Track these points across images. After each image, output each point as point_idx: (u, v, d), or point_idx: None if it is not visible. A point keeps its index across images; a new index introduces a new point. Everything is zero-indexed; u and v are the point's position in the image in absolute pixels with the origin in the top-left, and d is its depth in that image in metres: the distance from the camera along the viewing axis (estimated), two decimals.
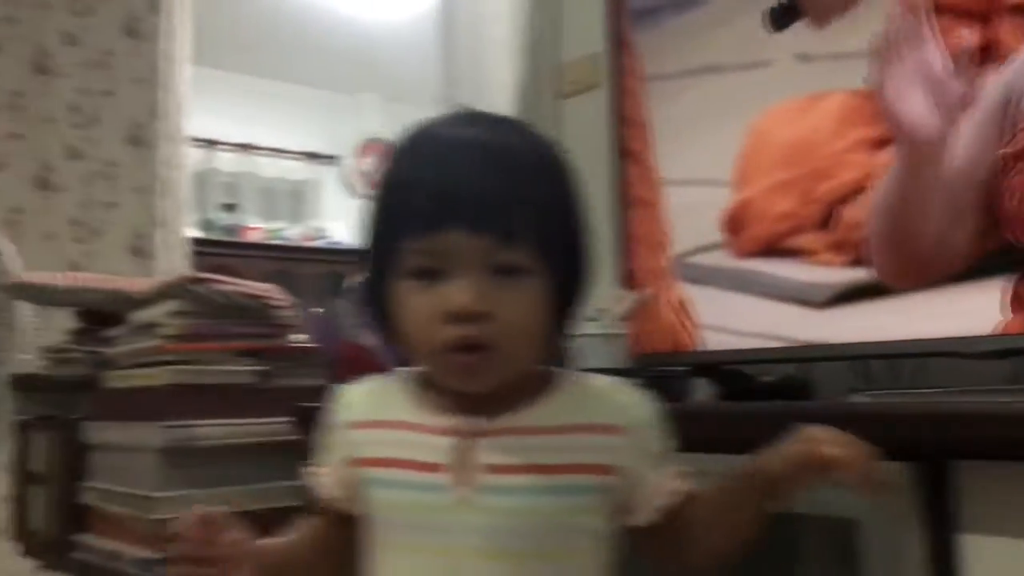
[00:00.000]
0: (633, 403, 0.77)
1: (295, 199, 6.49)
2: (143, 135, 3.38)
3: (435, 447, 0.75)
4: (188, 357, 1.60)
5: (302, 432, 1.59)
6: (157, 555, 1.51)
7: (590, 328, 1.50)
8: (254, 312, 1.69)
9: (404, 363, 1.77)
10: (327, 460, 0.82)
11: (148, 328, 1.65)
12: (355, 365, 1.81)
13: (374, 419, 0.80)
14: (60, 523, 1.80)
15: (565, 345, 0.84)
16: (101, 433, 1.73)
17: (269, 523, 1.60)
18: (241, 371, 1.66)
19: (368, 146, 6.80)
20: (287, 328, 1.75)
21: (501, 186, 0.72)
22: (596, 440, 0.75)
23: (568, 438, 0.74)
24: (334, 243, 6.22)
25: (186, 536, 0.77)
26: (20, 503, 1.99)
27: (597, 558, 0.76)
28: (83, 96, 3.29)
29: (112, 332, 1.76)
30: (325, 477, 0.82)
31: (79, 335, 1.89)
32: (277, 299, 1.71)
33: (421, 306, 0.72)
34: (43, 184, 3.21)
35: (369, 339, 1.87)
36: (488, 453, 0.74)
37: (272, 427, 1.64)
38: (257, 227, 6.00)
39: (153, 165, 3.38)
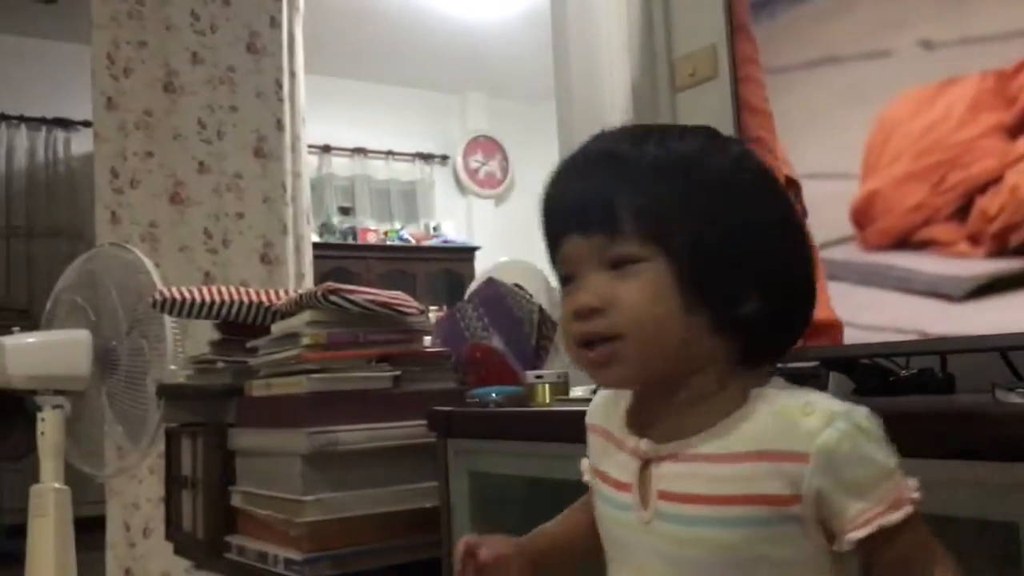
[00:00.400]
0: (822, 426, 0.69)
1: (408, 199, 6.63)
2: (267, 147, 3.51)
3: (625, 466, 0.77)
4: (326, 365, 1.67)
5: (435, 435, 1.65)
6: (304, 556, 1.59)
7: None
8: (386, 319, 1.74)
9: (533, 366, 1.80)
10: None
11: (288, 338, 1.72)
12: (483, 367, 1.86)
13: (602, 426, 0.84)
14: (210, 525, 1.90)
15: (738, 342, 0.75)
16: (247, 439, 1.82)
17: (407, 523, 1.66)
18: (376, 377, 1.71)
19: (476, 144, 6.88)
20: (418, 333, 1.81)
21: (602, 187, 0.74)
22: (778, 468, 0.69)
23: (747, 467, 0.70)
24: (447, 241, 6.32)
25: (461, 569, 0.85)
26: (171, 505, 2.11)
27: None
28: (209, 112, 3.44)
29: (254, 342, 1.84)
30: (585, 466, 0.87)
31: (222, 345, 1.99)
32: (407, 305, 1.77)
33: (563, 310, 0.76)
34: (176, 199, 3.38)
35: (497, 341, 1.91)
36: (663, 479, 0.74)
37: (407, 431, 1.70)
38: (373, 229, 6.14)
39: (277, 175, 3.52)
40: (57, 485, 2.32)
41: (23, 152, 5.30)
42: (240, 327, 1.97)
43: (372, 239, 6.12)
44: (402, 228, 6.30)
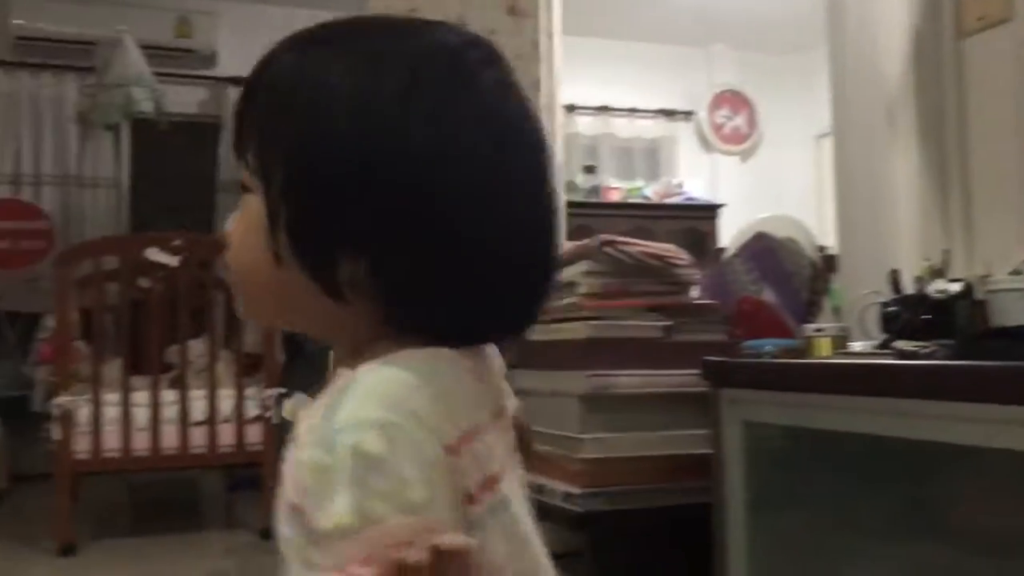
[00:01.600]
0: (308, 439, 0.56)
1: (650, 157, 6.63)
2: None
3: None
4: (602, 313, 1.75)
5: (708, 384, 1.69)
6: (581, 490, 1.69)
7: (1014, 283, 1.44)
8: (658, 271, 1.80)
9: (803, 320, 1.80)
10: None
11: (565, 287, 1.82)
12: (753, 320, 1.88)
13: None
14: None
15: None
16: (525, 379, 1.94)
17: (678, 467, 1.72)
18: (649, 326, 1.78)
19: (722, 98, 6.76)
20: (688, 285, 1.85)
21: (240, 101, 0.67)
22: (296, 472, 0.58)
23: (292, 466, 0.58)
24: (691, 199, 6.28)
25: None
26: None
27: None
28: None
29: None
30: None
31: None
32: (679, 258, 1.82)
33: None
34: None
35: (768, 295, 1.92)
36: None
37: (679, 379, 1.75)
38: (616, 187, 6.20)
39: None
40: None
41: None
42: None
43: (615, 197, 6.18)
44: (645, 186, 6.32)
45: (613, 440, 1.70)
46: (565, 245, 1.92)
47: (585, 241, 1.82)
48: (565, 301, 1.80)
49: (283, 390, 3.67)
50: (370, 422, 0.54)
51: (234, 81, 5.55)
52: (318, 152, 0.60)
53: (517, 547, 0.63)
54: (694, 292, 1.90)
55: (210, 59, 5.51)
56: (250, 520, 3.74)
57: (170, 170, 5.58)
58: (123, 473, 4.15)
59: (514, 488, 0.65)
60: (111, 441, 3.41)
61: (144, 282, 3.73)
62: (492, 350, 0.69)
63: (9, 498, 4.48)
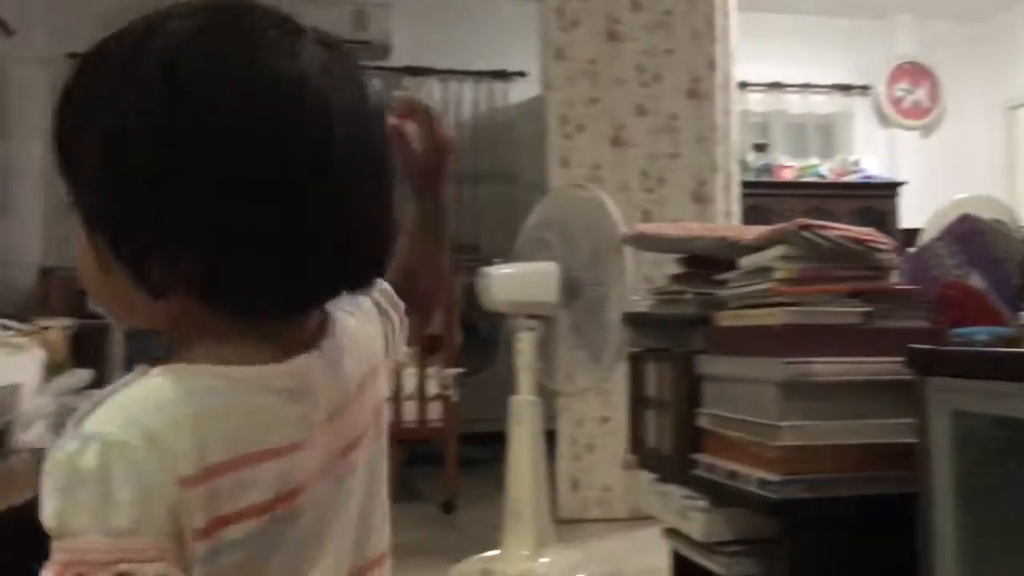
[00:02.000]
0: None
1: (825, 134, 6.41)
2: (700, 87, 3.60)
3: None
4: (798, 299, 1.72)
5: (913, 373, 1.64)
6: (780, 477, 1.67)
7: None
8: (858, 255, 1.76)
9: (1016, 308, 1.71)
10: None
11: (760, 272, 1.80)
12: (960, 307, 1.80)
13: None
14: (677, 443, 2.06)
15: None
16: (716, 365, 1.94)
17: (880, 457, 1.68)
18: (848, 312, 1.74)
19: (901, 70, 6.45)
20: (889, 270, 1.80)
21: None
22: None
23: None
24: (868, 177, 6.04)
25: None
26: (636, 423, 2.30)
27: None
28: (648, 57, 3.59)
29: (722, 275, 1.95)
30: None
31: (686, 278, 2.12)
32: (879, 241, 1.76)
33: None
34: (616, 142, 3.59)
35: (977, 281, 1.84)
36: None
37: (880, 366, 1.71)
38: (789, 165, 6.03)
39: (710, 115, 3.60)
40: (532, 398, 2.63)
41: (468, 104, 5.88)
42: (704, 261, 2.09)
43: (788, 176, 6.02)
44: (820, 164, 6.11)
45: (812, 428, 1.67)
46: (759, 230, 1.90)
47: (781, 225, 1.79)
48: (760, 286, 1.78)
49: (462, 370, 3.79)
50: (98, 436, 0.55)
51: (409, 71, 5.74)
52: (96, 163, 0.59)
53: (293, 563, 0.63)
54: (894, 277, 1.84)
55: (385, 50, 5.70)
56: (431, 494, 3.89)
57: None
58: None
59: (327, 494, 0.66)
60: None
61: None
62: (351, 338, 0.71)
63: None
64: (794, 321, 1.71)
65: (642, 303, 2.32)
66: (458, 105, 5.86)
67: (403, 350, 0.81)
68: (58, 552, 0.54)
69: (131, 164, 0.58)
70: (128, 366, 3.89)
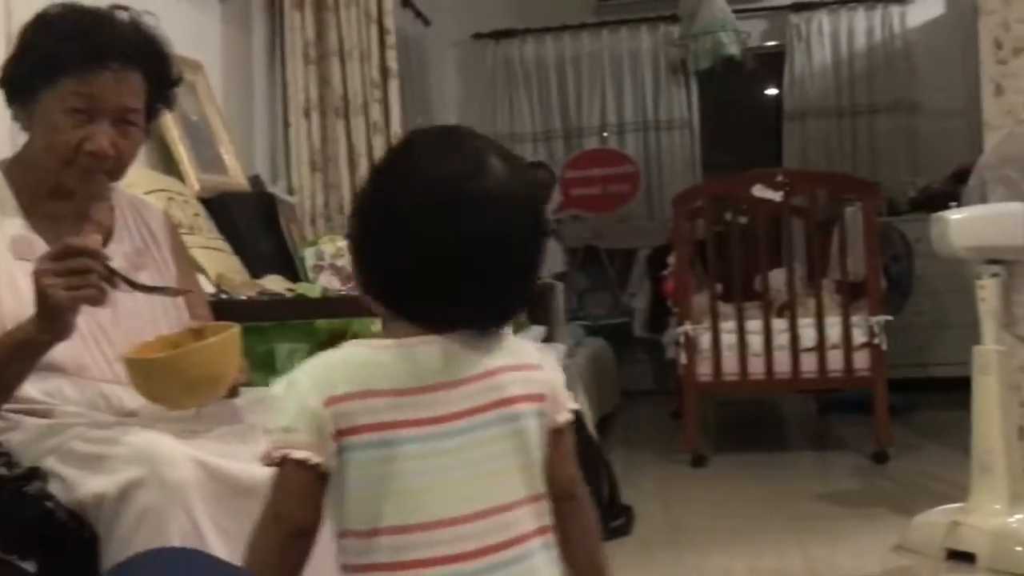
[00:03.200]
0: None
1: None
2: None
3: None
4: None
5: None
6: None
7: None
8: None
9: None
10: None
11: None
12: None
13: None
14: None
15: None
16: None
17: None
18: None
19: None
20: None
21: None
22: None
23: None
24: None
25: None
26: None
27: None
28: None
29: None
30: None
31: None
32: None
33: None
34: None
35: None
36: None
37: None
38: None
39: None
40: (997, 347, 2.50)
41: (861, 33, 5.58)
42: None
43: None
44: None
45: None
46: None
47: None
48: None
49: (889, 317, 3.68)
50: (287, 376, 0.96)
51: (795, 7, 5.56)
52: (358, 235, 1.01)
53: (386, 473, 0.93)
54: None
55: None
56: (859, 444, 3.83)
57: (737, 105, 5.79)
58: (737, 393, 4.48)
59: (423, 435, 0.94)
60: (730, 365, 3.71)
61: (743, 218, 3.96)
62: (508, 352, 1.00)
63: (622, 412, 5.10)
64: None
65: None
66: (851, 36, 5.58)
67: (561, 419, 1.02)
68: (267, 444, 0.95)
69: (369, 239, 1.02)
70: None
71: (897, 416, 3.95)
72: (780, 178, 3.64)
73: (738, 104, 6.12)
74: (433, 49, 5.58)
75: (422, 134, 1.01)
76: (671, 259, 3.96)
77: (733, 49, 4.31)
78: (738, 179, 4.14)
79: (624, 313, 5.49)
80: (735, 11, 5.29)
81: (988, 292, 2.51)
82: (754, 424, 4.93)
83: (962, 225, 2.49)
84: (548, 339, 3.29)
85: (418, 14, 5.28)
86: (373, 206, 0.98)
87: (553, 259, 5.42)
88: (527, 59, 5.81)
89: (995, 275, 2.51)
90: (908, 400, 4.42)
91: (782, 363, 3.68)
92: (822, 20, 5.59)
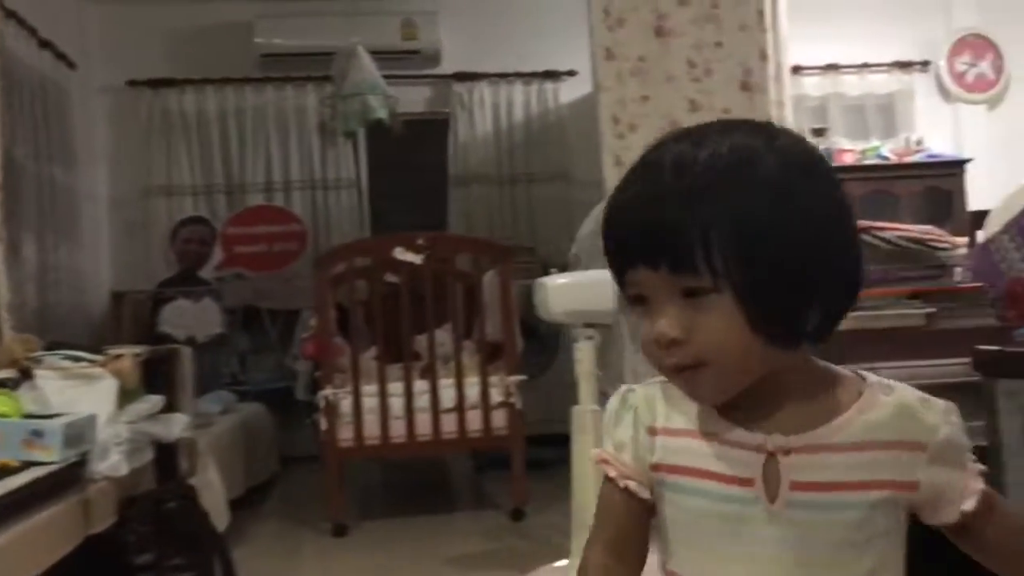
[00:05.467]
0: (940, 421, 0.79)
1: (885, 113, 6.25)
2: (752, 80, 3.54)
3: (740, 460, 0.80)
4: (859, 303, 1.69)
5: (981, 375, 1.60)
6: None
7: None
8: (918, 255, 1.72)
9: None
10: (631, 459, 0.86)
11: None
12: None
13: (673, 427, 0.84)
14: None
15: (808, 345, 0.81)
16: None
17: None
18: (911, 314, 1.70)
19: (963, 43, 6.27)
20: (951, 268, 1.75)
21: (669, 218, 0.75)
22: (899, 457, 0.78)
23: (871, 455, 0.78)
24: (933, 156, 5.88)
25: None
26: None
27: (894, 558, 0.81)
28: (697, 52, 3.55)
29: None
30: (632, 476, 0.86)
31: None
32: (940, 240, 1.72)
33: (644, 331, 0.79)
34: None
35: None
36: (794, 470, 0.79)
37: (945, 369, 1.67)
38: (850, 149, 5.90)
39: (764, 106, 3.54)
40: (593, 407, 2.62)
41: (519, 106, 5.87)
42: None
43: (849, 159, 5.87)
44: (881, 145, 5.97)
45: None
46: None
47: None
48: None
49: (524, 376, 3.80)
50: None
51: (459, 77, 5.75)
52: (775, 239, 0.75)
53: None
54: (958, 275, 1.80)
55: (434, 57, 5.73)
56: (503, 501, 3.90)
57: (404, 167, 5.86)
58: (379, 457, 4.43)
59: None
60: (371, 429, 3.66)
61: (392, 278, 3.96)
62: None
63: (282, 479, 4.90)
64: (855, 326, 1.68)
65: None
66: (510, 108, 5.85)
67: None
68: (975, 464, 0.81)
69: (809, 251, 0.79)
70: (201, 390, 3.96)
71: (546, 471, 4.07)
72: (421, 241, 3.67)
73: (410, 166, 6.21)
74: (78, 94, 5.18)
75: None
76: (312, 322, 3.87)
77: (381, 113, 4.35)
78: (379, 242, 4.16)
79: (288, 376, 5.31)
80: (401, 77, 5.39)
81: (583, 355, 2.63)
82: (414, 486, 4.91)
83: (559, 291, 2.60)
84: (169, 409, 3.07)
85: (60, 56, 4.90)
86: (836, 212, 0.82)
87: (209, 320, 5.17)
88: (187, 110, 5.56)
89: (589, 338, 2.64)
90: (560, 454, 4.57)
91: (423, 425, 3.67)
92: (483, 91, 5.81)
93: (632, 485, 0.85)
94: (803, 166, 0.78)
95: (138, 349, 3.08)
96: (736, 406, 0.81)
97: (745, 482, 0.80)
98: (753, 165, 0.76)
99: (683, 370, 0.78)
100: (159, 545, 2.53)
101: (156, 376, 3.13)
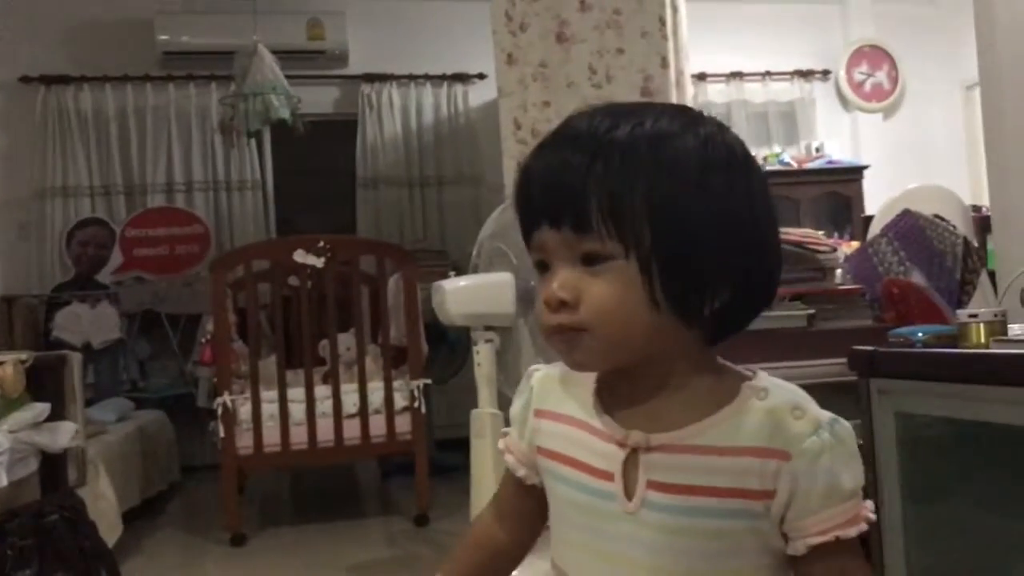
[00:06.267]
0: (807, 431, 0.74)
1: (787, 121, 6.41)
2: (652, 85, 3.59)
3: (604, 454, 0.78)
4: None
5: (856, 375, 1.64)
6: None
7: None
8: (799, 258, 1.75)
9: (958, 303, 1.72)
10: (516, 436, 0.89)
11: None
12: (903, 305, 1.80)
13: (557, 411, 0.84)
14: None
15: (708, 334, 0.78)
16: None
17: None
18: (791, 316, 1.74)
19: (860, 54, 6.47)
20: (831, 271, 1.80)
21: (571, 182, 0.74)
22: (764, 465, 0.74)
23: (737, 460, 0.74)
24: (832, 162, 6.05)
25: None
26: None
27: None
28: (598, 58, 3.58)
29: None
30: (514, 452, 0.89)
31: None
32: (818, 243, 1.76)
33: (540, 295, 0.77)
34: None
35: (917, 277, 1.84)
36: (653, 469, 0.76)
37: (825, 369, 1.71)
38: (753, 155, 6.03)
39: None
40: (492, 411, 2.61)
41: (428, 108, 5.84)
42: None
43: None
44: (782, 151, 6.12)
45: None
46: None
47: None
48: None
49: (428, 380, 3.77)
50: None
51: (367, 78, 5.69)
52: (686, 215, 0.73)
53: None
54: (837, 277, 1.84)
55: (342, 58, 5.66)
56: (408, 507, 3.86)
57: (311, 169, 5.77)
58: (279, 466, 4.35)
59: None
60: (271, 436, 3.58)
61: (293, 281, 3.89)
62: None
63: (183, 489, 4.78)
64: None
65: None
66: (419, 110, 5.82)
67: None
68: (863, 509, 0.76)
69: (717, 227, 0.76)
70: (97, 397, 3.83)
71: (453, 475, 4.04)
72: (322, 244, 3.61)
73: (317, 168, 6.12)
74: None
75: None
76: (209, 326, 3.77)
77: (284, 113, 4.28)
78: (279, 244, 4.08)
79: (190, 383, 5.18)
80: (307, 77, 5.31)
81: (483, 358, 2.63)
82: (319, 493, 4.84)
83: (457, 294, 2.58)
84: (56, 417, 2.95)
85: None
86: (756, 204, 0.79)
87: (106, 325, 5.01)
88: (84, 108, 5.37)
89: (489, 341, 2.63)
90: (468, 459, 4.55)
91: (325, 431, 3.62)
92: (392, 93, 5.77)
93: (510, 460, 0.88)
94: (724, 155, 0.76)
95: (23, 355, 2.96)
96: (615, 392, 0.80)
97: (606, 476, 0.77)
98: (672, 141, 0.75)
99: (565, 331, 0.76)
100: (40, 559, 2.43)
101: (44, 384, 3.02)
